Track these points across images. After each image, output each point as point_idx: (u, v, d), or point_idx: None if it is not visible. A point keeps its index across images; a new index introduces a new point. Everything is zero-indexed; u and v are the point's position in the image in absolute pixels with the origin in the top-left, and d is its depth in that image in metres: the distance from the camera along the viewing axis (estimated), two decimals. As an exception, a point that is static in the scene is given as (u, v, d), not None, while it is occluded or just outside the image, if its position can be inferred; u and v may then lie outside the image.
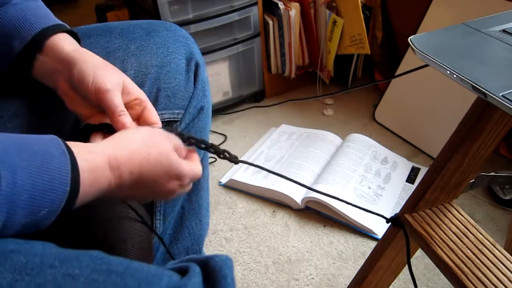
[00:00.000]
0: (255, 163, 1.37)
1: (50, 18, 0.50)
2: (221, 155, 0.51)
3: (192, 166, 0.46)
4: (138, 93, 0.49)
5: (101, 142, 0.41)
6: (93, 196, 0.38)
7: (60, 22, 0.50)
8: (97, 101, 0.46)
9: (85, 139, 0.47)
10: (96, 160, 0.38)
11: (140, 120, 0.49)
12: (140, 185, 0.42)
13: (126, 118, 0.46)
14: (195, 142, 0.48)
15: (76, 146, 0.37)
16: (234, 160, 0.52)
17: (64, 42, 0.48)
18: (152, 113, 0.50)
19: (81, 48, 0.49)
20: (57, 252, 0.30)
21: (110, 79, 0.46)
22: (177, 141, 0.46)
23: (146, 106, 0.49)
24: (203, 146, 0.49)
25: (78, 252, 0.30)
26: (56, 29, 0.48)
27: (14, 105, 0.51)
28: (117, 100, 0.46)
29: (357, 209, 1.05)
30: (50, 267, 0.28)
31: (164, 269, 0.31)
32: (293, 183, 1.13)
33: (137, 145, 0.41)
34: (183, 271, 0.31)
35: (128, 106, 0.48)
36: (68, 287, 0.27)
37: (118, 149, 0.40)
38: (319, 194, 0.62)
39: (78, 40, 0.51)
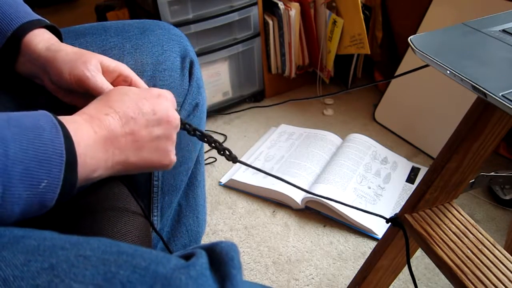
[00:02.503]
0: (255, 163, 1.37)
1: (29, 13, 0.49)
2: (221, 152, 0.52)
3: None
4: (120, 69, 0.50)
5: (79, 111, 0.42)
6: (97, 164, 0.38)
7: (39, 17, 0.50)
8: (82, 90, 0.47)
9: None
10: (74, 119, 0.39)
11: None
12: (131, 124, 0.42)
13: None
14: (200, 134, 0.49)
15: (64, 119, 0.37)
16: (233, 159, 0.52)
17: (37, 41, 0.48)
18: (141, 85, 0.50)
19: (55, 44, 0.48)
20: (66, 237, 0.30)
21: (87, 66, 0.46)
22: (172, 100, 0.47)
23: (132, 79, 0.50)
24: (205, 140, 0.50)
25: (87, 237, 0.31)
26: (32, 25, 0.48)
27: (12, 104, 0.51)
28: (100, 82, 0.46)
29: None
30: (61, 249, 0.28)
31: (172, 255, 0.32)
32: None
33: (107, 96, 0.43)
34: (189, 257, 0.31)
35: (113, 84, 0.49)
36: (81, 266, 0.27)
37: (91, 107, 0.41)
38: (317, 195, 0.62)
39: (59, 34, 0.51)
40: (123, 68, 0.50)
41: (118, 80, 0.50)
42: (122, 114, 0.41)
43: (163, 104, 0.45)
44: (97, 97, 0.44)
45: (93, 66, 0.47)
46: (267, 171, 1.20)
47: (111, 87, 0.47)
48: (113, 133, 0.41)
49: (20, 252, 0.27)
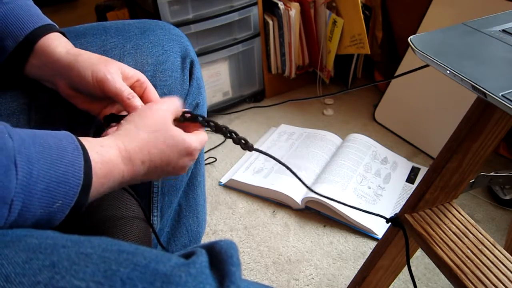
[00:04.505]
0: (255, 163, 1.37)
1: (40, 16, 0.50)
2: (237, 142, 0.52)
3: (199, 136, 0.48)
4: (138, 75, 0.51)
5: (109, 136, 0.43)
6: (108, 187, 0.40)
7: (51, 22, 0.50)
8: (102, 93, 0.48)
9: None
10: (109, 152, 0.39)
11: (142, 100, 0.50)
12: (153, 170, 0.44)
13: (136, 101, 0.48)
14: (215, 126, 0.50)
15: (87, 141, 0.39)
16: (249, 148, 0.53)
17: (56, 45, 0.48)
18: (152, 93, 0.51)
19: (73, 49, 0.49)
20: (68, 236, 0.31)
21: (108, 69, 0.47)
22: (176, 110, 0.48)
23: (146, 87, 0.51)
24: (221, 131, 0.51)
25: (88, 236, 0.31)
26: (46, 30, 0.49)
27: (13, 104, 0.51)
28: (120, 85, 0.47)
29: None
30: (63, 247, 0.29)
31: (171, 253, 0.32)
32: (292, 183, 1.13)
33: (144, 135, 0.43)
34: (188, 256, 0.32)
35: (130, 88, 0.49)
36: (82, 263, 0.27)
37: (126, 141, 0.42)
38: (319, 194, 0.62)
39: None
40: (140, 75, 0.51)
41: (134, 85, 0.50)
42: (153, 164, 0.44)
43: (192, 158, 0.48)
44: (142, 121, 0.45)
45: (114, 69, 0.48)
46: (267, 171, 1.21)
47: (130, 91, 0.48)
48: (137, 175, 0.43)
49: (22, 250, 0.28)
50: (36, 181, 0.32)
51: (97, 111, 0.51)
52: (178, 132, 0.46)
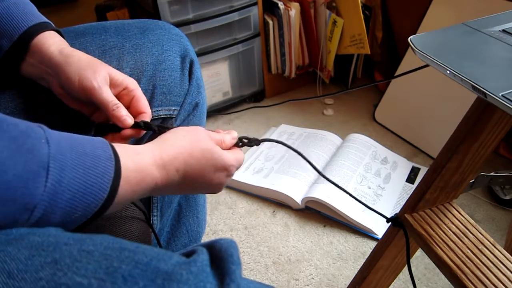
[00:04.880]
0: (255, 163, 1.37)
1: (35, 14, 0.49)
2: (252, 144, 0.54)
3: (235, 154, 0.49)
4: (127, 82, 0.50)
5: (148, 143, 0.43)
6: (140, 195, 0.40)
7: (45, 19, 0.50)
8: (88, 100, 0.47)
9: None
10: (143, 160, 0.39)
11: (129, 109, 0.50)
12: (188, 181, 0.44)
13: (121, 111, 0.47)
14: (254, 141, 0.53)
15: (123, 148, 0.38)
16: (257, 142, 0.54)
17: (49, 43, 0.48)
18: (141, 102, 0.51)
19: (66, 48, 0.49)
20: (70, 234, 0.31)
21: (96, 77, 0.47)
22: (216, 137, 0.48)
23: (134, 95, 0.50)
24: (248, 144, 0.53)
25: (90, 234, 0.31)
26: (41, 28, 0.48)
27: (12, 104, 0.51)
28: (106, 95, 0.47)
29: (357, 209, 1.05)
30: (65, 245, 0.29)
31: (173, 252, 0.32)
32: (292, 183, 1.13)
33: (182, 143, 0.43)
34: (189, 255, 0.32)
35: (117, 97, 0.49)
36: (84, 260, 0.28)
37: (163, 149, 0.42)
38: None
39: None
40: (129, 82, 0.50)
41: (121, 93, 0.50)
42: (188, 174, 0.44)
43: (229, 174, 0.49)
44: (179, 133, 0.45)
45: (101, 77, 0.47)
46: (267, 171, 1.21)
47: (116, 102, 0.47)
48: (171, 183, 0.43)
49: (25, 248, 0.28)
50: (64, 190, 0.32)
51: (88, 113, 0.51)
52: (216, 147, 0.46)
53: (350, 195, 0.65)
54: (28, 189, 0.30)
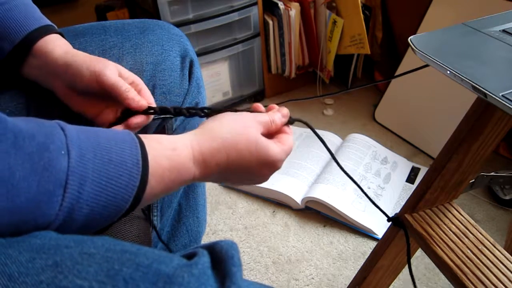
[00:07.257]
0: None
1: (37, 17, 0.49)
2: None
3: (284, 145, 0.46)
4: (134, 78, 0.50)
5: (188, 133, 0.41)
6: (175, 189, 0.39)
7: (49, 23, 0.50)
8: (99, 87, 0.47)
9: None
10: (180, 156, 0.38)
11: None
12: (228, 173, 0.43)
13: (133, 93, 0.47)
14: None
15: (159, 143, 0.37)
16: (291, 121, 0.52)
17: (54, 46, 0.48)
18: (147, 95, 0.50)
19: (72, 50, 0.49)
20: (71, 236, 0.30)
21: (106, 65, 0.47)
22: (265, 119, 0.46)
23: (141, 89, 0.50)
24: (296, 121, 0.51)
25: (91, 236, 0.31)
26: (45, 31, 0.48)
27: (12, 104, 0.51)
28: (118, 79, 0.47)
29: (357, 209, 1.05)
30: (66, 247, 0.29)
31: (174, 254, 0.32)
32: (292, 183, 1.13)
33: (225, 135, 0.41)
34: (190, 257, 0.32)
35: None
36: (85, 263, 0.27)
37: (204, 142, 0.40)
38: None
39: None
40: (135, 78, 0.50)
41: (130, 85, 0.50)
42: (229, 168, 0.42)
43: (275, 169, 0.46)
44: (211, 126, 0.43)
45: (112, 66, 0.48)
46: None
47: (127, 86, 0.47)
48: (209, 175, 0.41)
49: (25, 250, 0.28)
50: (82, 207, 0.31)
51: (94, 113, 0.50)
52: (263, 140, 0.43)
53: (359, 186, 0.64)
54: (40, 210, 0.29)
